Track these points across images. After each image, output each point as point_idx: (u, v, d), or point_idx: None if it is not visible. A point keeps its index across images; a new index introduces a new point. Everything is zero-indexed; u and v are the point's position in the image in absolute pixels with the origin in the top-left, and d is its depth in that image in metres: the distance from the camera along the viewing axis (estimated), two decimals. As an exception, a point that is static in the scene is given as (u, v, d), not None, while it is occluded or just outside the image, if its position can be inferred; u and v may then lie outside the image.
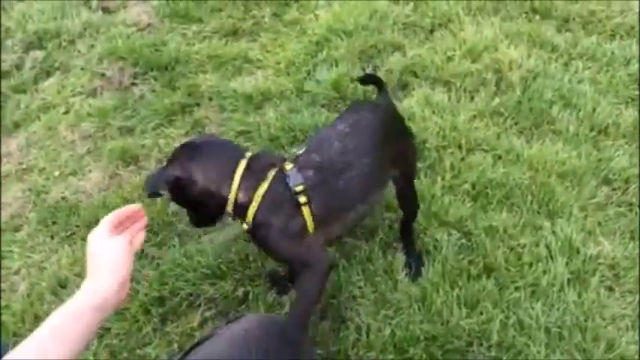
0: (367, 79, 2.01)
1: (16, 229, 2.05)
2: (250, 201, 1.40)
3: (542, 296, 1.75)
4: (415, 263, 1.84)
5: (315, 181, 1.42)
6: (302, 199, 1.40)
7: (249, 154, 1.45)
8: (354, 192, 1.47)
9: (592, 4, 2.73)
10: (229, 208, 1.41)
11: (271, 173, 1.42)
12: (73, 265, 1.90)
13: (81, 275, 1.82)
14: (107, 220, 1.17)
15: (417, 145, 2.02)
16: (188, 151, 1.43)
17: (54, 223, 2.04)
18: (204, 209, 1.46)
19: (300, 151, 1.49)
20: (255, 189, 1.40)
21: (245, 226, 1.43)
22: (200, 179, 1.40)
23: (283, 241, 1.43)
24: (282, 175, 1.42)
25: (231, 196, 1.40)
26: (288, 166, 1.43)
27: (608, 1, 2.73)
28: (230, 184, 1.39)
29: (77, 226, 2.03)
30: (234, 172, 1.40)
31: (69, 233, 2.02)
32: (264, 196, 1.40)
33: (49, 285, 1.85)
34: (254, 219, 1.40)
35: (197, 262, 1.84)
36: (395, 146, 1.60)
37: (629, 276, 1.81)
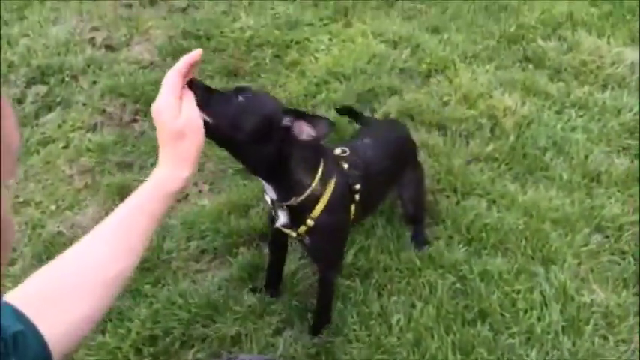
0: (344, 111, 2.12)
1: (11, 264, 2.03)
2: (322, 194, 1.43)
3: (537, 343, 1.75)
4: (419, 237, 2.03)
5: (362, 182, 1.53)
6: (357, 196, 1.51)
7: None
8: (378, 194, 1.74)
9: (583, 54, 2.80)
10: (305, 193, 1.39)
11: (337, 168, 1.48)
12: (65, 301, 1.88)
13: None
14: (173, 84, 0.96)
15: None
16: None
17: (49, 257, 2.02)
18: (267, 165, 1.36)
19: (345, 153, 1.55)
20: (327, 182, 1.43)
21: (310, 223, 1.44)
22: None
23: (340, 235, 1.59)
24: (343, 172, 1.49)
25: (313, 184, 1.40)
26: (345, 164, 1.51)
27: (599, 52, 2.81)
28: (314, 174, 1.41)
29: (71, 261, 2.01)
30: (318, 163, 1.42)
31: (63, 268, 2.00)
32: (333, 191, 1.44)
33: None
34: (321, 213, 1.43)
35: (191, 302, 1.83)
36: (402, 161, 1.86)
37: (623, 325, 1.81)
